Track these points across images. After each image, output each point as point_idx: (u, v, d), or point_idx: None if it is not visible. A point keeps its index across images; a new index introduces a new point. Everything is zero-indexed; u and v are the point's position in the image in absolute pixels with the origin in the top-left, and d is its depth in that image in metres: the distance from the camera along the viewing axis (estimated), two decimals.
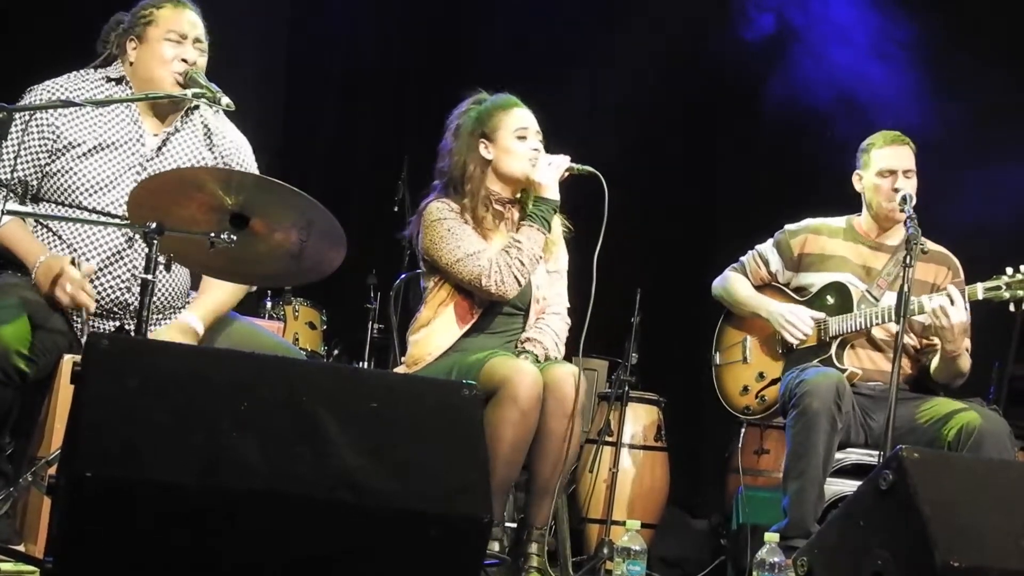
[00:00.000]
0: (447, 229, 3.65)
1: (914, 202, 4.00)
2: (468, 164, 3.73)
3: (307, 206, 2.87)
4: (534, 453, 3.46)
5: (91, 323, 3.30)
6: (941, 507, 2.65)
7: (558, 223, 3.85)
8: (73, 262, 3.18)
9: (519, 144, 3.73)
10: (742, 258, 4.41)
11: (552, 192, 3.70)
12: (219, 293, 3.42)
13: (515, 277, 3.60)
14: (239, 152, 3.55)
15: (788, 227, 4.34)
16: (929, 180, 4.23)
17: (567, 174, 3.73)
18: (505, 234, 3.75)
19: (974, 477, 2.85)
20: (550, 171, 3.70)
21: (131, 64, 3.42)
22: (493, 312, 3.70)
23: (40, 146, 3.30)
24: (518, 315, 3.74)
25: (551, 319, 3.80)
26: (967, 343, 4.11)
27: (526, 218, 3.70)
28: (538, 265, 3.70)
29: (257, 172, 3.52)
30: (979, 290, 3.93)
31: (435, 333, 3.67)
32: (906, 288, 3.70)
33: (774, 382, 4.24)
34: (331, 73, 7.07)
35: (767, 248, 4.35)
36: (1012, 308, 3.94)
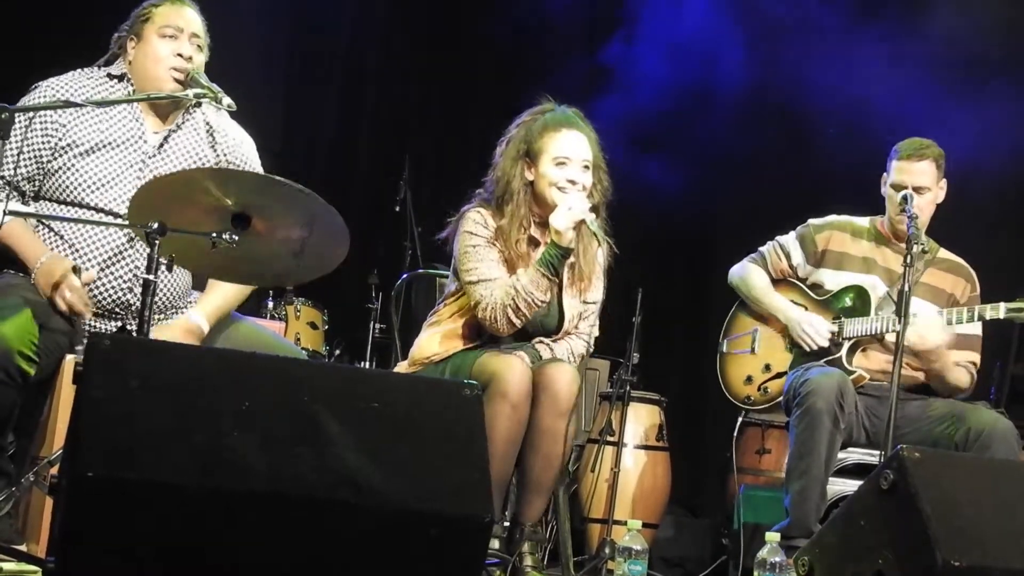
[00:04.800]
0: (472, 246, 3.58)
1: (920, 215, 4.00)
2: (511, 182, 3.62)
3: (309, 202, 2.86)
4: (525, 450, 3.44)
5: (93, 323, 3.30)
6: (942, 506, 2.65)
7: (601, 255, 3.73)
8: (75, 269, 3.19)
9: (556, 171, 3.60)
10: (762, 249, 4.38)
11: (564, 240, 3.51)
12: (225, 291, 3.42)
13: (508, 319, 3.51)
14: (241, 149, 3.55)
15: (813, 221, 4.32)
16: None
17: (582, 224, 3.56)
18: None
19: (975, 477, 2.85)
20: (566, 217, 3.52)
21: (130, 63, 3.43)
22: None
23: (44, 143, 3.31)
24: (535, 333, 3.68)
25: (572, 338, 3.71)
26: (972, 356, 4.13)
27: (537, 260, 3.55)
28: (540, 308, 3.56)
29: (260, 168, 3.53)
30: (1001, 309, 3.93)
31: (441, 338, 3.64)
32: (907, 288, 3.70)
33: (779, 375, 4.24)
34: (331, 73, 7.08)
35: (789, 241, 4.33)
36: None
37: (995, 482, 2.86)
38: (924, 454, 2.75)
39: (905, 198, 4.01)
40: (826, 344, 4.15)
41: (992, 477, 2.90)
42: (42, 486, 2.95)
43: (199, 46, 3.42)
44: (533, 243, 3.66)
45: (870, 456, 4.49)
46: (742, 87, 6.29)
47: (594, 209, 3.60)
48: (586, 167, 3.63)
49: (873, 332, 4.08)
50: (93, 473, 2.18)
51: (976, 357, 4.15)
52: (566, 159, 3.61)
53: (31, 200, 3.33)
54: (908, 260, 3.74)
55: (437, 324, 3.68)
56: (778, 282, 4.35)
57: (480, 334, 3.62)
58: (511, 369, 3.37)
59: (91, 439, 2.23)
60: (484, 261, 3.57)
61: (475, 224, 3.61)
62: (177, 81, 3.35)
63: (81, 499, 2.20)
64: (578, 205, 3.54)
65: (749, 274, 4.37)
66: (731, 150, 6.50)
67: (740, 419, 4.88)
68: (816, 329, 4.16)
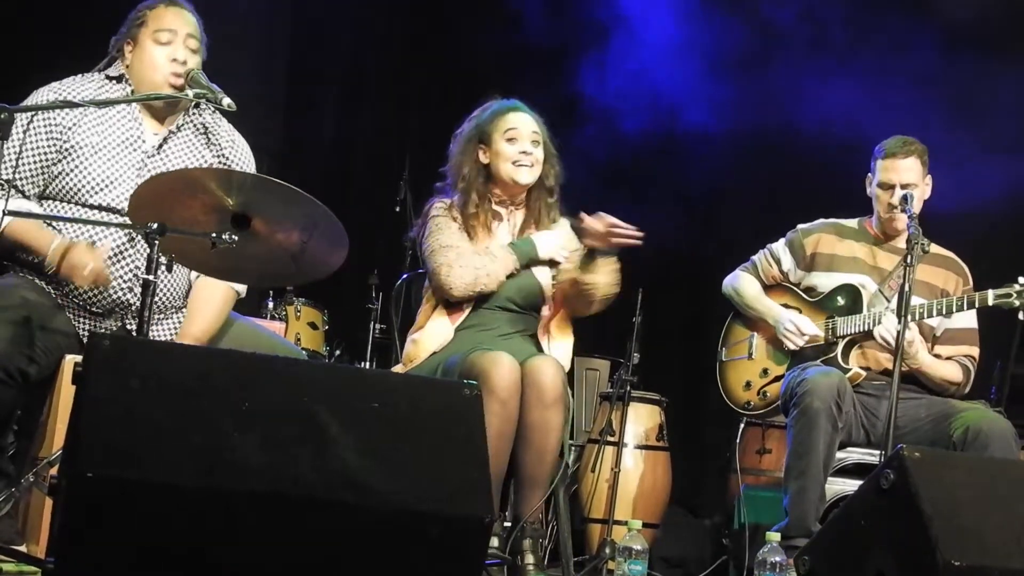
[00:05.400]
0: (436, 224, 3.75)
1: (916, 209, 4.00)
2: (464, 167, 3.80)
3: (309, 206, 2.87)
4: (518, 445, 3.48)
5: (92, 323, 3.30)
6: (942, 506, 2.65)
7: (571, 236, 3.87)
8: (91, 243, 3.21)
9: (508, 146, 3.77)
10: (753, 257, 4.40)
11: (542, 252, 3.76)
12: (206, 312, 3.40)
13: (468, 285, 3.65)
14: (237, 151, 3.55)
15: (801, 227, 4.34)
16: None
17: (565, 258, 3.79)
18: (502, 235, 3.80)
19: (975, 476, 2.85)
20: (553, 250, 3.78)
21: (128, 67, 3.43)
22: (491, 308, 3.73)
23: (49, 145, 3.31)
24: (521, 313, 3.77)
25: None
26: (967, 350, 4.12)
27: (511, 244, 3.75)
28: (495, 287, 3.70)
29: (255, 172, 3.53)
30: (990, 296, 3.92)
31: (429, 333, 3.71)
32: (907, 288, 3.70)
33: (777, 379, 4.25)
34: (331, 73, 7.07)
35: (779, 247, 4.35)
36: (1021, 316, 3.94)
37: (995, 482, 2.86)
38: (924, 454, 2.75)
39: (905, 198, 4.01)
40: (802, 343, 4.16)
41: (992, 477, 2.90)
42: (42, 486, 2.95)
43: (194, 48, 3.41)
44: (497, 217, 3.81)
45: (870, 456, 4.49)
46: (741, 94, 6.29)
47: (549, 191, 3.83)
48: (536, 142, 3.80)
49: (867, 329, 4.08)
50: (93, 473, 2.18)
51: (971, 351, 4.14)
52: (516, 132, 3.78)
53: (36, 200, 3.33)
54: (909, 260, 3.74)
55: (420, 328, 3.76)
56: (771, 288, 4.37)
57: (463, 306, 3.71)
58: (499, 365, 3.41)
59: (91, 439, 2.23)
60: (444, 232, 3.73)
61: (437, 209, 3.81)
62: (175, 87, 3.35)
63: (81, 499, 2.20)
64: (567, 247, 3.79)
65: (740, 282, 4.39)
66: (733, 153, 6.50)
67: (743, 421, 4.90)
68: (796, 325, 4.17)
